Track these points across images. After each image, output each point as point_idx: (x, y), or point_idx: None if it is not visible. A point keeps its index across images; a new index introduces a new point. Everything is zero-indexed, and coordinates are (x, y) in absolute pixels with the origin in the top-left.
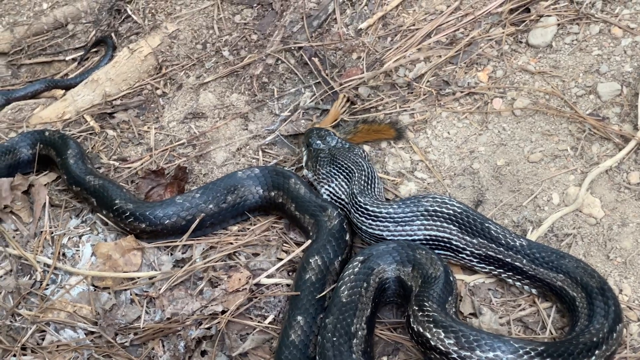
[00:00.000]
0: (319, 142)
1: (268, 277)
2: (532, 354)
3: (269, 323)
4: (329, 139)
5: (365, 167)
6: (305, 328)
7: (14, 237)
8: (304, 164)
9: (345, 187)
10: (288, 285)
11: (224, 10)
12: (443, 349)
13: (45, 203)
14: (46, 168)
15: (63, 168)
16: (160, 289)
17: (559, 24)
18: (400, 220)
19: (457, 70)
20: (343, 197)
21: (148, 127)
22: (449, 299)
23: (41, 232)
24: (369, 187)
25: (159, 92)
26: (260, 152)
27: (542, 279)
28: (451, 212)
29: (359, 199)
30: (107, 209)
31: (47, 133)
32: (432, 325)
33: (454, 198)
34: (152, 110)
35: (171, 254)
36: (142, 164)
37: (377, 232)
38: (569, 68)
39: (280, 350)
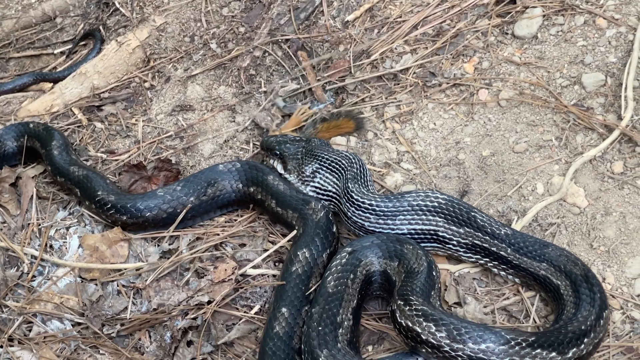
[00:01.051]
0: (288, 145)
1: (254, 267)
2: (524, 344)
3: (255, 313)
4: (294, 140)
5: (352, 156)
6: (290, 320)
7: (1, 229)
8: (282, 172)
9: (332, 178)
10: (274, 275)
11: (212, 3)
12: (435, 342)
13: (32, 195)
14: (34, 161)
15: (47, 159)
16: (146, 280)
17: (544, 15)
18: (382, 214)
19: (444, 62)
20: (330, 188)
21: (136, 120)
22: (432, 292)
23: (28, 224)
24: (361, 175)
25: (146, 84)
26: (251, 144)
27: (525, 268)
28: (436, 204)
29: (349, 185)
30: (89, 199)
31: (31, 125)
32: (422, 319)
33: (438, 190)
34: (140, 103)
35: (158, 245)
36: (129, 157)
37: (359, 221)
38: (554, 59)
39: (265, 342)
